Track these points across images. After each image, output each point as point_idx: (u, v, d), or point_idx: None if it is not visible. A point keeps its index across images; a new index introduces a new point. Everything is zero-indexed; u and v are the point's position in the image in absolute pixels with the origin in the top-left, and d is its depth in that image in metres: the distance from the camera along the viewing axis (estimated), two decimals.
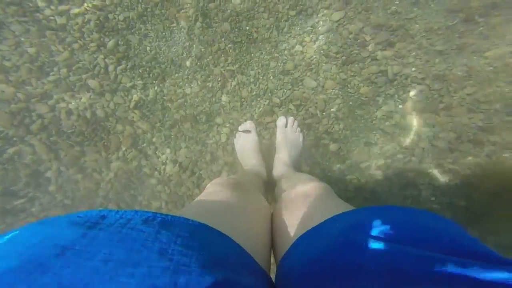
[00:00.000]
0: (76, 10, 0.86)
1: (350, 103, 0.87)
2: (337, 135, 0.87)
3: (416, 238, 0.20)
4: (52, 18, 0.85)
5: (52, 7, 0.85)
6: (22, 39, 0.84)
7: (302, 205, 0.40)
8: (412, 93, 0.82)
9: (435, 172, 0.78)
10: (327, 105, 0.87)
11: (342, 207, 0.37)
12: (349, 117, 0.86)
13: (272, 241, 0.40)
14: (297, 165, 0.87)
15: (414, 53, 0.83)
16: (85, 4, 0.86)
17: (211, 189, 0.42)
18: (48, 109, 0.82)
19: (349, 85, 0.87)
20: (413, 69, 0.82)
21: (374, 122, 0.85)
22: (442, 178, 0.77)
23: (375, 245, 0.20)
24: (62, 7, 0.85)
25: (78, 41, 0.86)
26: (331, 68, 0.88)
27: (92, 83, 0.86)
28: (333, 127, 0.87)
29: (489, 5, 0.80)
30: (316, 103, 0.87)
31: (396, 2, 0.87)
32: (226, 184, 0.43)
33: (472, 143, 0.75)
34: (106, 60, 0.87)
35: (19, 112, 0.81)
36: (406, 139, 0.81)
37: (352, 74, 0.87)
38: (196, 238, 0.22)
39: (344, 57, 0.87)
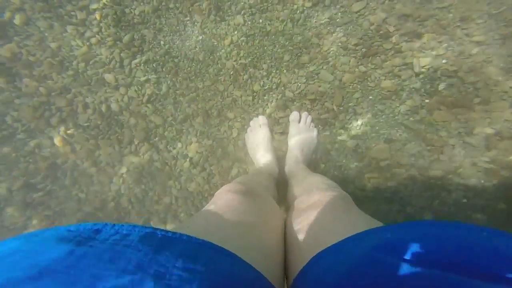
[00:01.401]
0: (95, 5, 0.86)
1: (370, 97, 0.79)
2: (355, 131, 0.79)
3: (449, 260, 0.17)
4: (73, 13, 0.86)
5: (74, 2, 0.86)
6: (46, 34, 0.85)
7: (318, 217, 0.35)
8: (441, 87, 0.73)
9: (468, 172, 0.68)
10: (344, 100, 0.80)
11: (364, 221, 0.32)
12: (369, 112, 0.79)
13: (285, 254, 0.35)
14: (311, 162, 0.81)
15: (445, 45, 0.74)
16: None
17: (221, 197, 0.38)
18: (66, 103, 0.83)
19: (369, 79, 0.79)
20: (444, 61, 0.73)
21: (396, 117, 0.77)
22: (476, 178, 0.67)
23: (405, 268, 0.17)
24: (83, 2, 0.86)
25: (96, 35, 0.86)
26: (349, 61, 0.81)
27: (108, 77, 0.85)
28: (351, 123, 0.79)
29: None
30: (333, 97, 0.81)
31: None
32: (237, 191, 0.39)
33: None
34: (122, 54, 0.86)
35: (40, 105, 0.82)
36: (433, 135, 0.72)
37: (372, 67, 0.79)
38: (200, 260, 0.19)
39: (364, 49, 0.80)
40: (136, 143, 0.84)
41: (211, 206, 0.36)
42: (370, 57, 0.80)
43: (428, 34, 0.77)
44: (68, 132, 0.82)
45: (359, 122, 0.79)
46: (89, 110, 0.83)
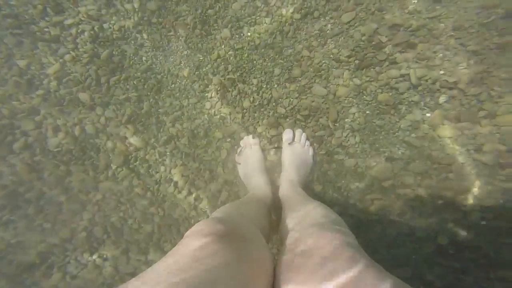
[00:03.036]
0: (70, 21, 0.78)
1: (367, 112, 0.72)
2: (353, 149, 0.72)
3: None
4: (46, 29, 0.78)
5: (47, 19, 0.78)
6: (14, 51, 0.76)
7: (316, 269, 0.27)
8: (442, 99, 0.67)
9: (483, 192, 0.61)
10: (340, 115, 0.73)
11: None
12: (367, 129, 0.72)
13: None
14: (308, 184, 0.72)
15: (441, 55, 0.69)
16: (80, 15, 0.78)
17: (191, 244, 0.28)
18: (33, 126, 0.73)
19: (365, 92, 0.73)
20: (441, 72, 0.68)
21: (396, 134, 0.70)
22: (493, 198, 0.60)
23: None
24: (57, 18, 0.78)
25: (71, 52, 0.77)
26: (343, 74, 0.75)
27: (83, 96, 0.76)
28: (348, 140, 0.72)
29: None
30: (327, 113, 0.74)
31: (414, 1, 0.74)
32: (212, 233, 0.29)
33: None
34: (99, 71, 0.78)
35: (1, 129, 0.72)
36: (438, 153, 0.65)
37: (367, 79, 0.73)
38: None
39: (357, 61, 0.74)
40: (113, 168, 0.74)
41: (172, 258, 0.27)
42: (364, 69, 0.74)
43: (422, 44, 0.72)
44: (35, 158, 0.71)
45: (357, 139, 0.71)
46: (60, 133, 0.73)
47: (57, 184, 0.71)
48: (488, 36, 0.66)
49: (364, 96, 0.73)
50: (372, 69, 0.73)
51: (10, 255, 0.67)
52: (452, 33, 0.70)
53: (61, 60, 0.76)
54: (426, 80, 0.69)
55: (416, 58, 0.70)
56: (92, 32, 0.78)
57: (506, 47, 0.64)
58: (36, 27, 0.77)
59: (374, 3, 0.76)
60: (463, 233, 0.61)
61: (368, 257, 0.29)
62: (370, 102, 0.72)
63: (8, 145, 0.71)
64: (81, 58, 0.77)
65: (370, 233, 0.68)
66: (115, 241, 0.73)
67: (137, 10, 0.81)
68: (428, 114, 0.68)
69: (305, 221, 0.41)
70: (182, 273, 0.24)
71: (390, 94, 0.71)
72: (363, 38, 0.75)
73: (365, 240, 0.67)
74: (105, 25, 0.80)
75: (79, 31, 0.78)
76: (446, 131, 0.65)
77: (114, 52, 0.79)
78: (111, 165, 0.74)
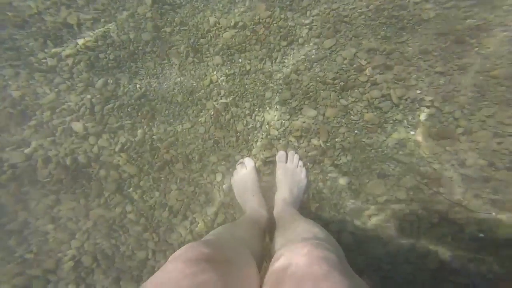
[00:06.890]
0: (68, 51, 0.79)
1: (356, 131, 0.75)
2: (346, 167, 0.73)
3: None
4: (44, 60, 0.79)
5: (46, 50, 0.79)
6: (10, 82, 0.76)
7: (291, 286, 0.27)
8: (423, 117, 0.70)
9: (474, 204, 0.62)
10: (330, 135, 0.75)
11: None
12: (357, 147, 0.74)
13: None
14: (304, 203, 0.72)
15: (414, 75, 0.74)
16: (78, 46, 0.80)
17: (173, 271, 0.28)
18: (23, 158, 0.71)
19: (351, 112, 0.76)
20: (418, 91, 0.72)
21: (385, 151, 0.72)
22: (486, 210, 0.61)
23: None
24: (56, 50, 0.79)
25: (66, 81, 0.78)
26: (330, 95, 0.78)
27: (76, 125, 0.75)
28: (340, 159, 0.74)
29: (473, 27, 0.74)
30: (318, 133, 0.76)
31: (383, 28, 0.81)
32: (197, 259, 0.29)
33: None
34: (93, 100, 0.78)
35: None
36: (426, 168, 0.67)
37: (353, 100, 0.77)
38: None
39: (342, 83, 0.78)
40: (106, 195, 0.72)
41: (154, 286, 0.26)
42: (349, 90, 0.78)
43: (397, 66, 0.77)
44: (22, 189, 0.68)
45: (349, 158, 0.73)
46: (51, 164, 0.71)
47: (45, 214, 0.68)
48: (450, 58, 0.73)
49: (352, 116, 0.76)
50: (356, 90, 0.77)
51: None
52: (420, 56, 0.76)
53: (56, 89, 0.76)
54: (406, 99, 0.73)
55: (394, 79, 0.75)
56: (88, 62, 0.79)
57: (465, 68, 0.69)
58: (35, 58, 0.78)
59: (351, 30, 0.82)
60: (463, 245, 0.61)
61: (348, 271, 0.29)
62: (357, 122, 0.75)
63: None
64: (76, 87, 0.77)
65: (372, 250, 0.68)
66: (105, 270, 0.68)
67: (132, 40, 0.83)
68: (412, 132, 0.71)
69: (290, 238, 0.41)
70: None
71: (375, 113, 0.75)
72: (345, 61, 0.80)
73: (368, 257, 0.66)
74: (101, 55, 0.81)
75: (75, 61, 0.79)
76: (431, 148, 0.68)
77: (109, 81, 0.80)
78: (104, 192, 0.72)
